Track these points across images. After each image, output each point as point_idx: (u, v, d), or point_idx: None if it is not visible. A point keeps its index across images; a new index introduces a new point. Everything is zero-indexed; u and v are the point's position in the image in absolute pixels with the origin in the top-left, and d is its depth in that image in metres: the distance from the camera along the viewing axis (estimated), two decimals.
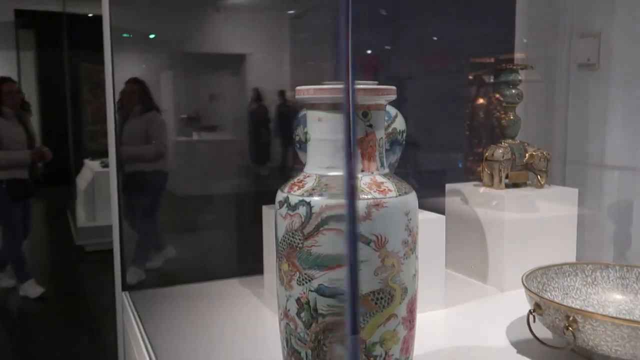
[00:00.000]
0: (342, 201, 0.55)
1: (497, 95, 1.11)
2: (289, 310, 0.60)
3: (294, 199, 0.58)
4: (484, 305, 0.98)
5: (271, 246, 0.97)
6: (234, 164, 2.12)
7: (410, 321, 0.60)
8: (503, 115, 1.09)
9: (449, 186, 1.13)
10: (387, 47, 1.65)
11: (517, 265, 0.91)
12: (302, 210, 0.57)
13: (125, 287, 1.06)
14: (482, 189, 1.08)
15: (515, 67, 1.07)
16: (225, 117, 2.40)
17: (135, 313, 0.96)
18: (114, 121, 1.04)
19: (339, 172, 0.59)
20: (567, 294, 0.87)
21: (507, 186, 1.07)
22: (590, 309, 0.84)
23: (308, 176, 0.61)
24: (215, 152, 2.41)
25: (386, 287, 0.57)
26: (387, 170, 0.61)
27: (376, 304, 0.57)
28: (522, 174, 1.09)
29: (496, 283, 1.03)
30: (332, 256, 0.56)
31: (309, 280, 0.58)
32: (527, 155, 1.07)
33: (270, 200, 1.04)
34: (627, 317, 0.82)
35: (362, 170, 0.59)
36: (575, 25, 1.31)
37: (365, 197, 0.56)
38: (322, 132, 0.60)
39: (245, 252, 1.10)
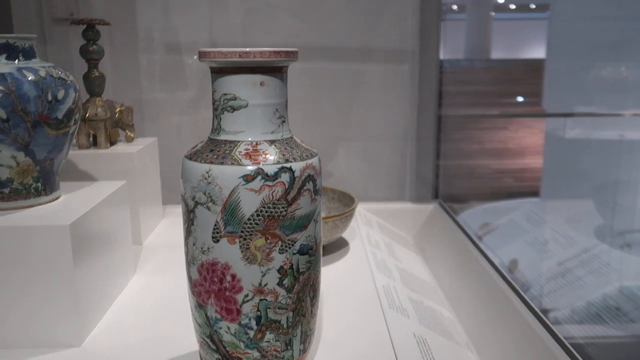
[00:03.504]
0: (314, 160, 0.60)
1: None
2: (265, 285, 0.58)
3: (271, 169, 0.56)
4: None
5: None
6: None
7: None
8: (92, 73, 1.05)
9: None
10: None
11: None
12: (285, 177, 0.56)
13: None
14: (87, 152, 1.03)
15: (93, 22, 1.04)
16: None
17: None
18: None
19: (281, 135, 0.60)
20: None
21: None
22: None
23: (258, 143, 0.57)
24: None
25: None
26: None
27: (320, 249, 0.65)
28: (114, 131, 1.10)
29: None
30: (308, 214, 0.59)
31: (292, 244, 0.58)
32: (117, 111, 1.09)
33: None
34: None
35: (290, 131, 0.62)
36: None
37: (313, 154, 0.62)
38: (263, 97, 0.58)
39: None
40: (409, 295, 0.90)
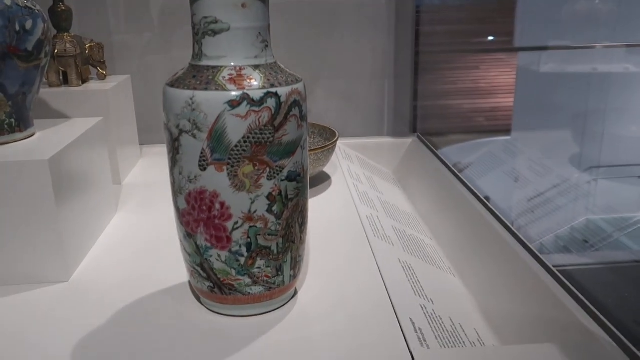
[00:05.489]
0: (299, 85, 0.59)
1: None
2: (254, 212, 0.58)
3: (256, 94, 0.55)
4: None
5: None
6: None
7: None
8: (58, 7, 1.00)
9: None
10: None
11: None
12: (271, 102, 0.55)
13: None
14: (59, 90, 1.00)
15: None
16: None
17: None
18: None
19: (265, 60, 0.58)
20: None
21: None
22: None
23: (242, 68, 0.56)
24: None
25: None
26: None
27: (307, 177, 0.64)
28: (85, 68, 1.06)
29: None
30: (295, 141, 0.59)
31: (280, 171, 0.58)
32: (87, 47, 1.05)
33: None
34: None
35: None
36: None
37: (298, 80, 0.60)
38: (246, 20, 0.56)
39: None
40: (392, 225, 0.91)
